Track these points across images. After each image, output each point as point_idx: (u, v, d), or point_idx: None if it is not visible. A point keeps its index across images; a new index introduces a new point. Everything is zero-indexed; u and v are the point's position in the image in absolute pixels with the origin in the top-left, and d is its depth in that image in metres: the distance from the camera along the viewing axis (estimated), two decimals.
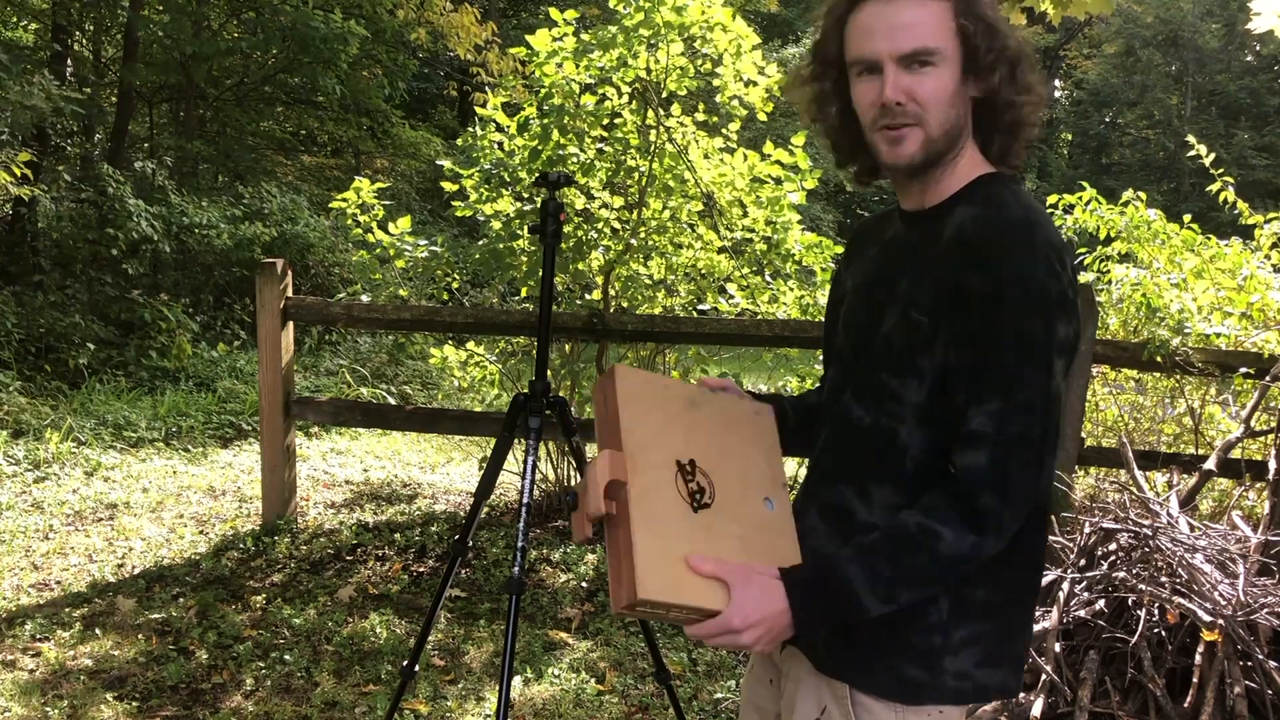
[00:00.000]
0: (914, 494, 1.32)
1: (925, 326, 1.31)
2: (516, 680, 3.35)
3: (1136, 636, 2.95)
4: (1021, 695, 3.08)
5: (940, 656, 1.32)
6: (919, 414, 1.33)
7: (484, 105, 4.84)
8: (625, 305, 4.90)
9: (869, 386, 1.39)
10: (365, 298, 5.02)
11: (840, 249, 5.35)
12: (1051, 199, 5.47)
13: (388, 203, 4.99)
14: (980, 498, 1.24)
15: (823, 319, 5.11)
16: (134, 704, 3.12)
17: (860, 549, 1.28)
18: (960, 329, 1.28)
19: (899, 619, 1.31)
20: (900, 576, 1.26)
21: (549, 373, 3.10)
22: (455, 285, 5.15)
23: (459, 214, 4.96)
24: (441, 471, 6.26)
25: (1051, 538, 3.53)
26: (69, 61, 10.57)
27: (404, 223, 4.92)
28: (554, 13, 4.56)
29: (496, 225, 4.81)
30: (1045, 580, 3.24)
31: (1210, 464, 3.90)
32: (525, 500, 2.51)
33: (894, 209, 1.49)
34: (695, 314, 4.98)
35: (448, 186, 4.92)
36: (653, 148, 4.60)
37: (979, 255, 1.26)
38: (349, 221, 4.97)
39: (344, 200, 4.97)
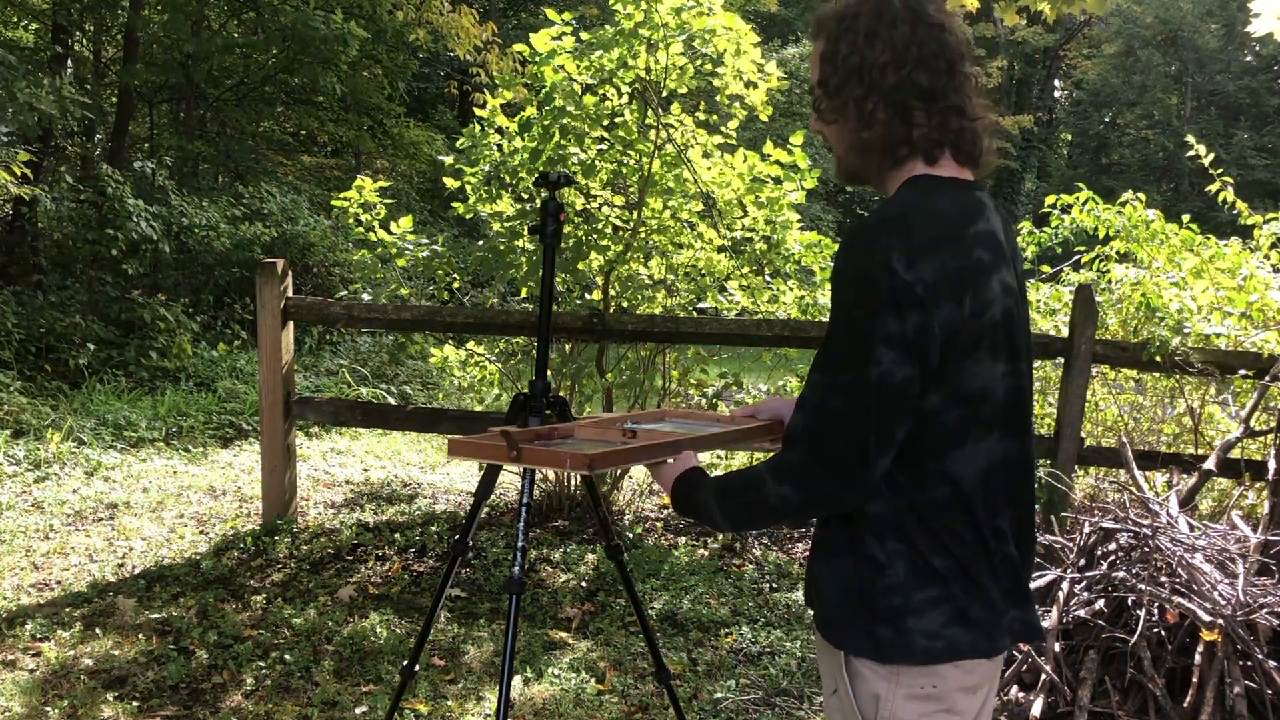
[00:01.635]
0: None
1: None
2: (516, 680, 3.35)
3: (1136, 636, 2.96)
4: (1021, 695, 3.08)
5: (904, 616, 1.41)
6: None
7: (483, 106, 4.84)
8: (625, 305, 4.90)
9: None
10: (366, 297, 5.02)
11: None
12: (1050, 199, 5.47)
13: (389, 201, 4.98)
14: (792, 451, 1.42)
15: (822, 319, 5.14)
16: (134, 704, 3.12)
17: (719, 480, 1.53)
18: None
19: (863, 583, 1.44)
20: (737, 509, 1.49)
21: (549, 372, 3.10)
22: (456, 285, 5.13)
23: (459, 213, 4.96)
24: (441, 471, 6.27)
25: (1051, 537, 3.53)
26: (69, 62, 10.57)
27: (405, 222, 4.92)
28: (551, 13, 4.56)
29: (496, 225, 4.82)
30: (1045, 580, 3.24)
31: (1210, 464, 3.90)
32: (525, 500, 2.52)
33: None
34: (695, 314, 4.98)
35: (450, 183, 4.91)
36: (653, 148, 4.60)
37: (839, 250, 1.43)
38: (350, 221, 4.96)
39: (345, 200, 4.96)
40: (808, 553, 1.61)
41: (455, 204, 4.97)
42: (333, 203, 4.97)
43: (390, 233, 4.90)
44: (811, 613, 1.60)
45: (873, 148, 1.47)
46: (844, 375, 1.37)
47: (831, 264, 1.44)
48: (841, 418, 1.38)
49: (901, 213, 1.39)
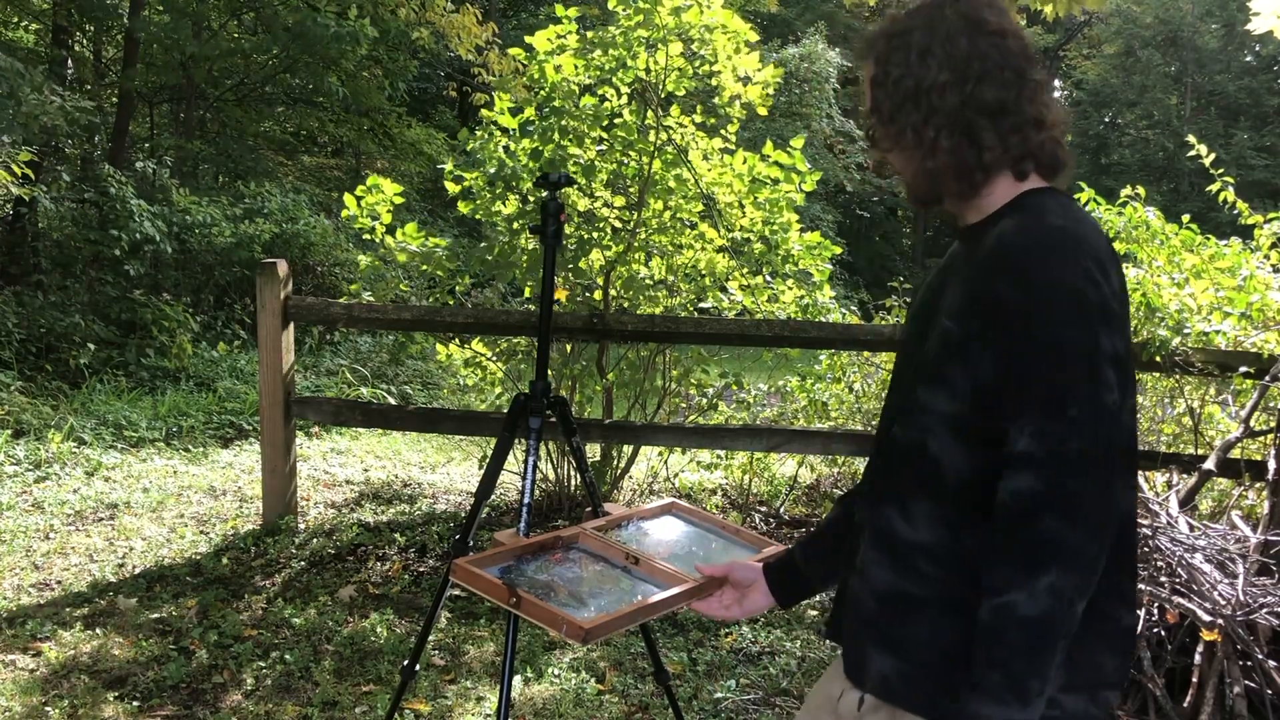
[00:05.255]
0: (958, 511, 1.28)
1: (953, 333, 1.28)
2: (517, 680, 3.35)
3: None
4: None
5: None
6: (951, 426, 1.28)
7: (488, 106, 4.83)
8: (625, 305, 4.90)
9: (907, 402, 1.36)
10: (367, 296, 5.02)
11: (839, 249, 5.37)
12: None
13: (399, 200, 4.97)
14: (1039, 523, 1.16)
15: (823, 319, 5.11)
16: (134, 703, 3.12)
17: (973, 682, 1.20)
18: (997, 343, 1.22)
19: (966, 644, 1.24)
20: (1015, 673, 1.16)
21: (549, 373, 3.11)
22: (460, 289, 5.13)
23: (461, 213, 4.95)
24: (442, 471, 6.27)
25: None
26: (69, 63, 10.57)
27: (410, 229, 4.91)
28: (559, 9, 4.56)
29: (500, 225, 4.81)
30: None
31: (1210, 464, 3.90)
32: (526, 500, 2.52)
33: None
34: (695, 314, 4.98)
35: (452, 188, 4.90)
36: (653, 149, 4.60)
37: (1013, 264, 1.23)
38: (358, 225, 4.90)
39: (358, 199, 4.86)
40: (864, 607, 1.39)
41: (461, 204, 4.96)
42: (345, 199, 4.93)
43: (395, 239, 4.88)
44: (855, 666, 1.37)
45: (942, 176, 1.34)
46: (1072, 409, 1.16)
47: (1015, 280, 1.22)
48: (1084, 460, 1.16)
49: (1073, 225, 1.25)
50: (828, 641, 3.73)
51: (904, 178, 1.39)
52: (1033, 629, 1.14)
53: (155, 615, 3.77)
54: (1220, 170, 5.31)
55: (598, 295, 4.84)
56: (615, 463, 5.14)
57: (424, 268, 4.87)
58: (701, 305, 5.03)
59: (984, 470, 1.25)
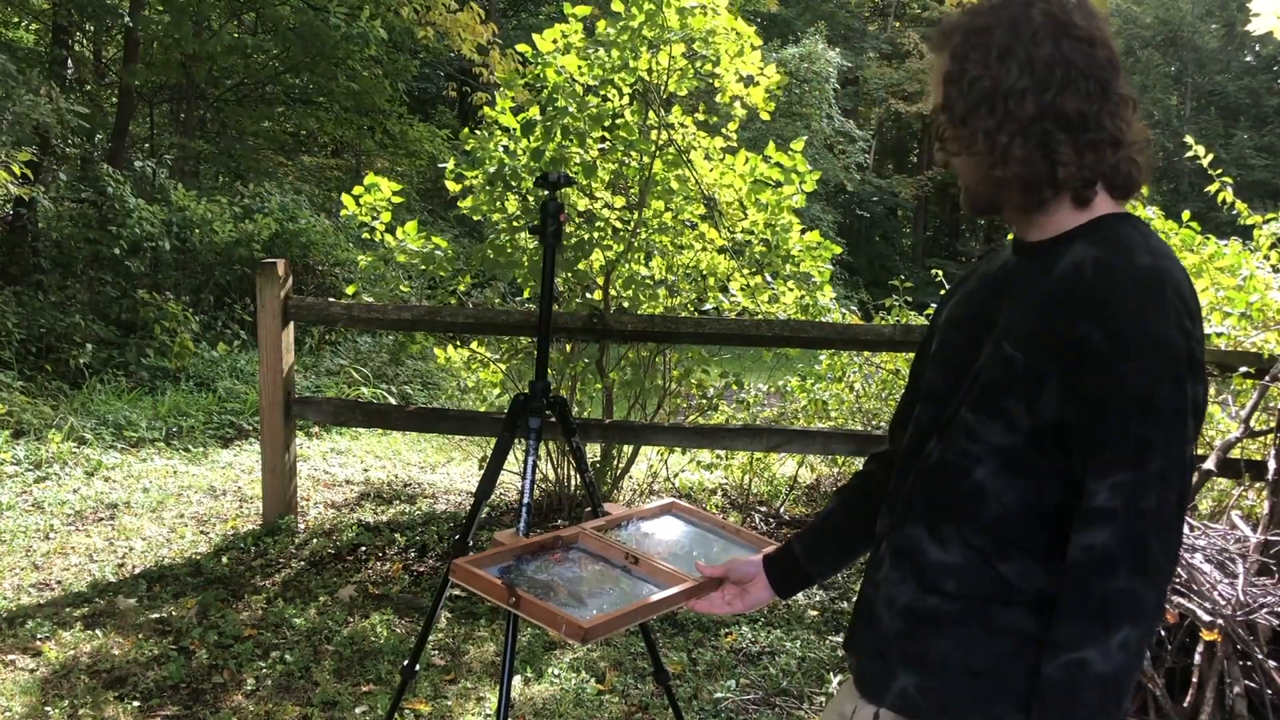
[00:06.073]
0: (995, 541, 1.26)
1: (1018, 365, 1.23)
2: (517, 680, 3.35)
3: None
4: None
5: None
6: (1003, 458, 1.25)
7: (490, 105, 4.83)
8: (626, 305, 4.90)
9: (949, 422, 1.31)
10: (368, 299, 5.02)
11: (839, 249, 5.37)
12: None
13: (398, 200, 4.97)
14: (1114, 580, 1.14)
15: (823, 319, 5.11)
16: (134, 703, 3.12)
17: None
18: (1077, 388, 1.18)
19: (999, 660, 1.26)
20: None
21: (549, 372, 3.11)
22: (463, 289, 5.13)
23: (462, 213, 4.95)
24: (442, 471, 6.27)
25: None
26: (69, 63, 10.57)
27: (410, 227, 4.91)
28: (566, 7, 4.56)
29: (501, 224, 4.81)
30: None
31: (1209, 464, 3.90)
32: (525, 500, 2.52)
33: (1006, 242, 1.41)
34: (696, 314, 4.97)
35: (452, 187, 4.90)
36: (654, 149, 4.60)
37: (1099, 306, 1.17)
38: (357, 224, 4.90)
39: (356, 197, 4.86)
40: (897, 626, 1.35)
41: (461, 203, 4.95)
42: (343, 198, 4.93)
43: (395, 238, 4.89)
44: (873, 683, 1.37)
45: (1008, 187, 1.26)
46: (1155, 463, 1.14)
47: (1103, 325, 1.16)
48: (1161, 515, 1.14)
49: (1161, 263, 1.19)
50: (828, 641, 3.74)
51: (965, 182, 1.32)
52: (1108, 687, 1.14)
53: (155, 615, 3.77)
54: (1219, 170, 5.31)
55: (598, 295, 4.84)
56: (615, 463, 5.14)
57: (424, 268, 4.87)
58: (702, 305, 5.03)
59: (1030, 504, 1.24)
